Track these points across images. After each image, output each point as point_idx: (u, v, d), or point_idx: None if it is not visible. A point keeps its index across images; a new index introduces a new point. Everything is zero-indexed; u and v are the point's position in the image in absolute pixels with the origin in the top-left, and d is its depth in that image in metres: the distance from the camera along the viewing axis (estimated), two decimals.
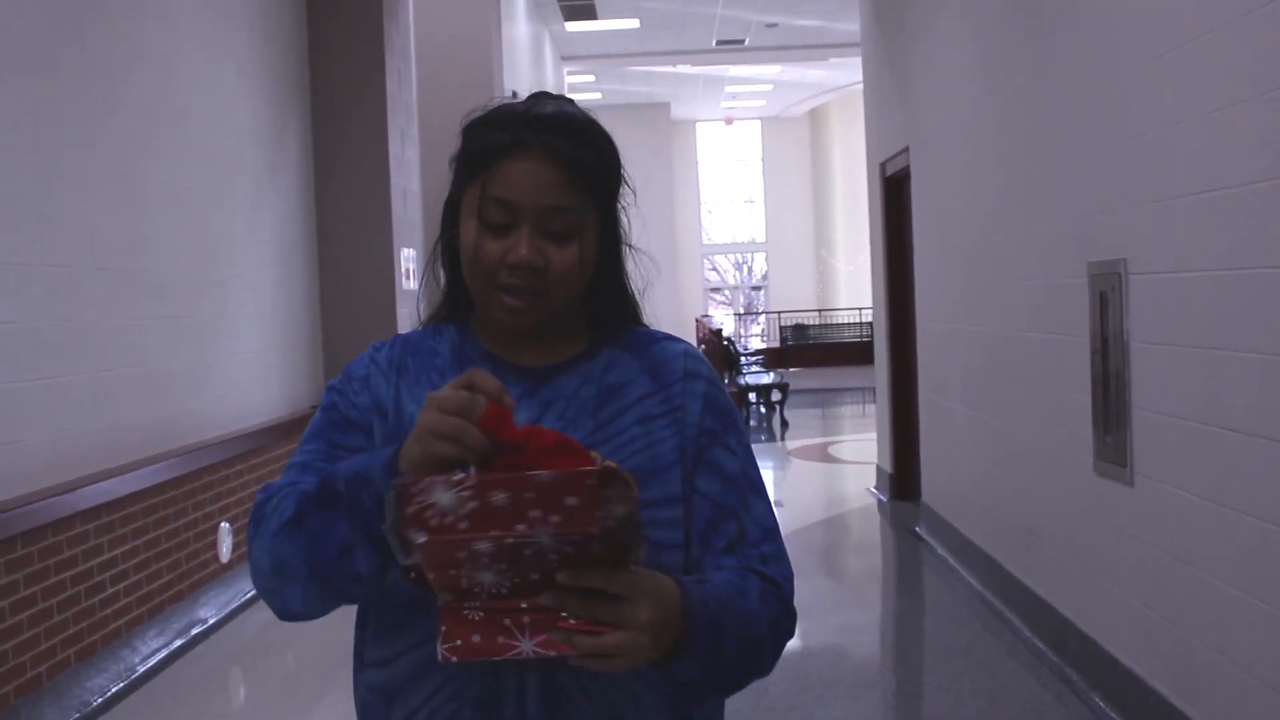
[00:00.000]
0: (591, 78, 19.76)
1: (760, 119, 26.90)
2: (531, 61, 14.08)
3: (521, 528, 1.07)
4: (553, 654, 1.12)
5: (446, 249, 1.41)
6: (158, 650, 4.93)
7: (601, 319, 1.43)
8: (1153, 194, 3.59)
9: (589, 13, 14.30)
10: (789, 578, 1.35)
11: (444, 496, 1.07)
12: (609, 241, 1.40)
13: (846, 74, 19.29)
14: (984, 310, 5.59)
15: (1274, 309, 2.92)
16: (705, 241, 27.41)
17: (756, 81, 22.09)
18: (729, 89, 22.70)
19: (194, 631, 5.28)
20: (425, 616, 1.25)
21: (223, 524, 5.64)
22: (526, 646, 1.12)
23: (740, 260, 28.79)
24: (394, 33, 7.91)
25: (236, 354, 6.12)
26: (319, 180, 7.50)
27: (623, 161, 1.42)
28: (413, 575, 1.14)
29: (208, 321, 5.78)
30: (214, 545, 5.56)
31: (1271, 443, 2.94)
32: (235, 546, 5.78)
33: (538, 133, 1.31)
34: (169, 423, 5.25)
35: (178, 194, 5.47)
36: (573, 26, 15.15)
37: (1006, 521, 5.35)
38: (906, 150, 7.17)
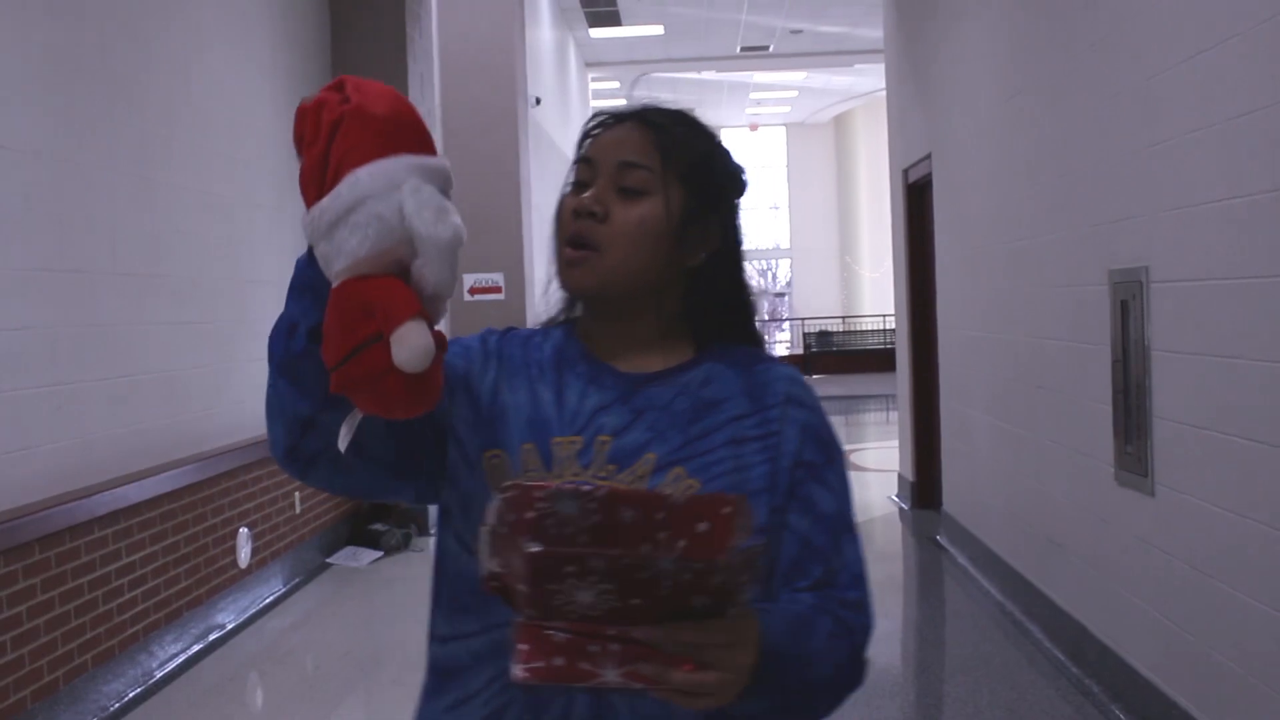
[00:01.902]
0: (616, 84, 19.77)
1: (785, 125, 26.85)
2: (555, 68, 14.09)
3: (646, 549, 1.01)
4: (638, 686, 1.05)
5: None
6: (175, 655, 4.95)
7: (709, 333, 1.38)
8: (1175, 201, 3.55)
9: (613, 19, 14.31)
10: (867, 628, 1.30)
11: (569, 506, 1.01)
12: (716, 250, 1.35)
13: (871, 80, 19.24)
14: (1005, 318, 5.55)
15: None
16: None
17: (781, 88, 22.06)
18: (754, 95, 22.68)
19: (212, 637, 5.29)
20: (487, 605, 1.22)
21: (242, 529, 5.66)
22: (611, 676, 1.06)
23: (765, 266, 28.75)
24: (417, 38, 7.93)
25: (257, 359, 6.13)
26: None
27: (742, 174, 1.39)
28: (494, 584, 1.07)
29: (228, 326, 5.80)
30: (233, 551, 5.57)
31: None
32: (254, 552, 5.80)
33: (636, 109, 1.36)
34: (188, 428, 5.27)
35: (199, 198, 5.49)
36: (597, 33, 15.16)
37: (1027, 531, 5.30)
38: (929, 157, 7.14)
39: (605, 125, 1.35)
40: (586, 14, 14.10)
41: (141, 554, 4.68)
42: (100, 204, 4.59)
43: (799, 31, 15.48)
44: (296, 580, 6.36)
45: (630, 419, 1.30)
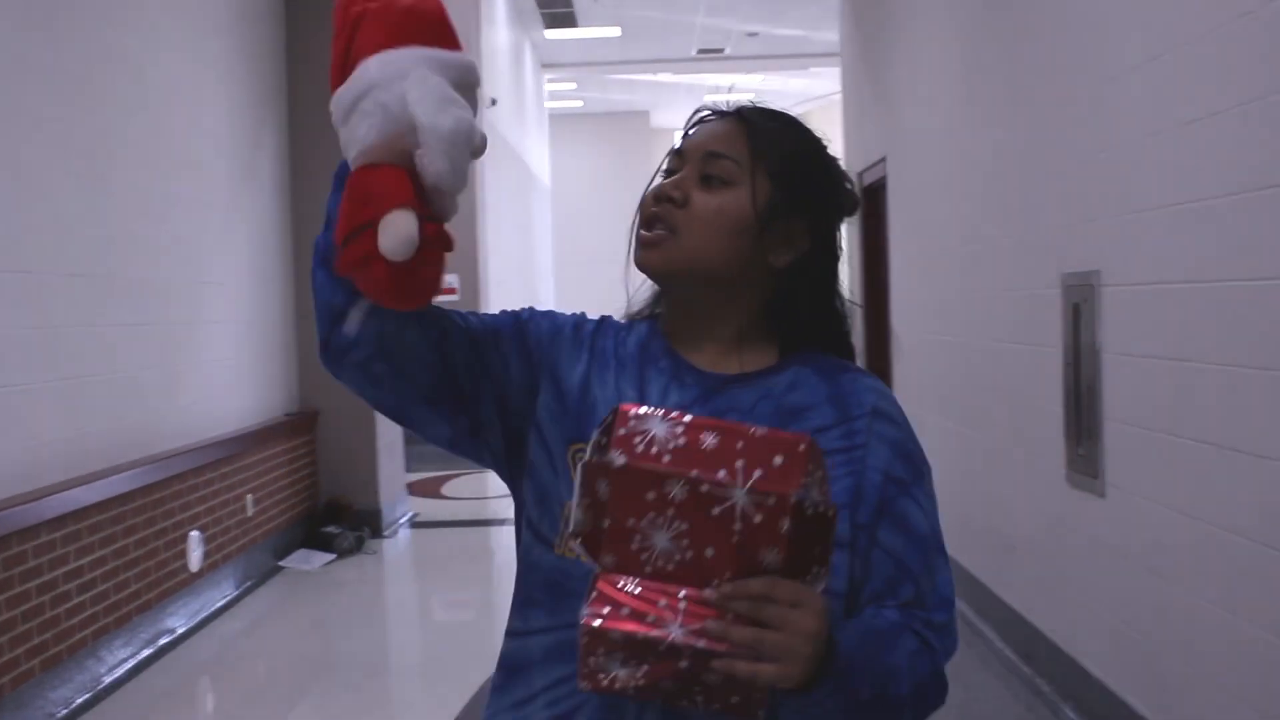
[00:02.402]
0: (572, 85, 19.74)
1: None
2: (512, 69, 14.05)
3: (722, 474, 1.05)
4: (701, 644, 1.05)
5: None
6: (124, 661, 4.88)
7: (795, 339, 1.35)
8: (1127, 205, 3.60)
9: (570, 20, 14.28)
10: (949, 651, 1.28)
11: (658, 426, 1.07)
12: (805, 254, 1.33)
13: (826, 84, 19.32)
14: (958, 320, 5.59)
15: (1244, 321, 2.92)
16: None
17: (737, 90, 22.11)
18: (709, 98, 22.66)
19: (162, 641, 5.22)
20: (558, 601, 1.25)
21: (193, 532, 5.59)
22: (676, 632, 1.05)
23: None
24: None
25: (209, 361, 6.07)
26: (295, 186, 7.46)
27: (845, 185, 1.37)
28: (582, 540, 1.09)
29: (180, 328, 5.73)
30: (184, 554, 5.50)
31: (1241, 455, 2.94)
32: (206, 555, 5.73)
33: (736, 106, 1.36)
34: (139, 430, 5.20)
35: (151, 199, 5.43)
36: (553, 34, 15.13)
37: (979, 532, 5.35)
38: (884, 160, 7.18)
39: (704, 121, 1.36)
40: (543, 15, 14.06)
41: (90, 558, 4.61)
42: (50, 204, 4.52)
43: (755, 34, 15.51)
44: (248, 584, 6.30)
45: None
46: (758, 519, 1.05)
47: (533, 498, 1.32)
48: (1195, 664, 3.23)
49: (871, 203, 7.85)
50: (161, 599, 5.26)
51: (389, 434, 7.85)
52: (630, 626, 1.06)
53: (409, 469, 8.64)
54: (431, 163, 1.14)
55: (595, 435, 1.10)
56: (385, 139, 1.14)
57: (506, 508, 9.28)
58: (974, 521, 5.43)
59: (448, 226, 1.21)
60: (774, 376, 1.31)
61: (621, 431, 1.08)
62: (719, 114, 1.36)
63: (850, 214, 1.40)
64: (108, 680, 4.70)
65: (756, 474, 1.05)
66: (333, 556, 6.95)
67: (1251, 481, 2.89)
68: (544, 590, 1.28)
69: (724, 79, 20.39)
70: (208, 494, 5.80)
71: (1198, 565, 3.21)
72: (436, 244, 1.16)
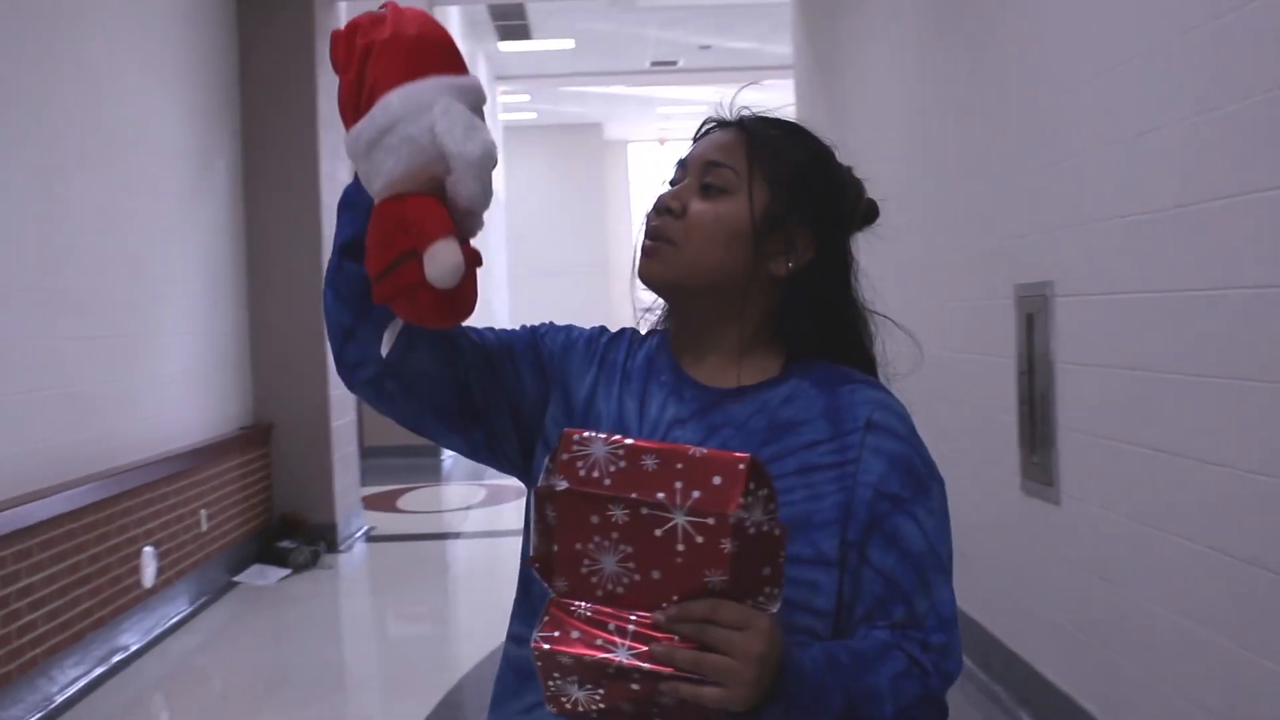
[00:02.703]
0: (526, 97, 19.74)
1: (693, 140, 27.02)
2: None
3: (661, 496, 1.05)
4: (646, 666, 1.06)
5: None
6: (77, 679, 4.81)
7: (801, 350, 1.33)
8: (1080, 217, 3.65)
9: (523, 33, 14.28)
10: (947, 674, 1.22)
11: (599, 449, 1.08)
12: (809, 262, 1.32)
13: (778, 96, 19.37)
14: (913, 329, 5.63)
15: (1195, 331, 2.97)
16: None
17: (690, 103, 22.19)
18: (661, 110, 22.77)
19: (115, 659, 5.16)
20: None
21: (147, 548, 5.53)
22: (623, 654, 1.06)
23: None
24: (326, 50, 7.83)
25: (163, 374, 6.01)
26: (248, 198, 7.41)
27: (853, 192, 1.37)
28: (536, 564, 1.12)
29: (133, 341, 5.67)
30: (138, 570, 5.44)
31: (1194, 462, 2.99)
32: (160, 571, 5.67)
33: (739, 116, 1.36)
34: (92, 445, 5.14)
35: (104, 211, 5.37)
36: (507, 46, 15.12)
37: None
38: None
39: (709, 131, 1.37)
40: (497, 27, 14.05)
41: (42, 575, 4.55)
42: (4, 219, 4.46)
43: (708, 47, 15.59)
44: (203, 599, 6.23)
45: (704, 436, 1.28)
46: (699, 540, 1.05)
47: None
48: (1149, 667, 3.28)
49: None
50: (115, 616, 5.19)
51: (345, 447, 7.80)
52: (578, 650, 1.07)
53: (364, 483, 8.59)
54: (466, 188, 1.17)
55: (546, 461, 1.11)
56: (414, 170, 1.16)
57: (462, 521, 9.27)
58: None
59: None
60: (772, 389, 1.30)
61: (565, 456, 1.09)
62: (722, 124, 1.36)
63: (866, 223, 1.40)
64: (59, 699, 4.63)
65: (695, 495, 1.05)
66: (288, 571, 6.89)
67: (1202, 488, 2.94)
68: (544, 602, 1.26)
69: (677, 91, 20.47)
70: (162, 509, 5.73)
71: (1150, 570, 3.26)
72: (473, 265, 1.19)
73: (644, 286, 1.34)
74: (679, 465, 1.06)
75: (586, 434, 1.10)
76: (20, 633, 4.38)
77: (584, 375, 1.35)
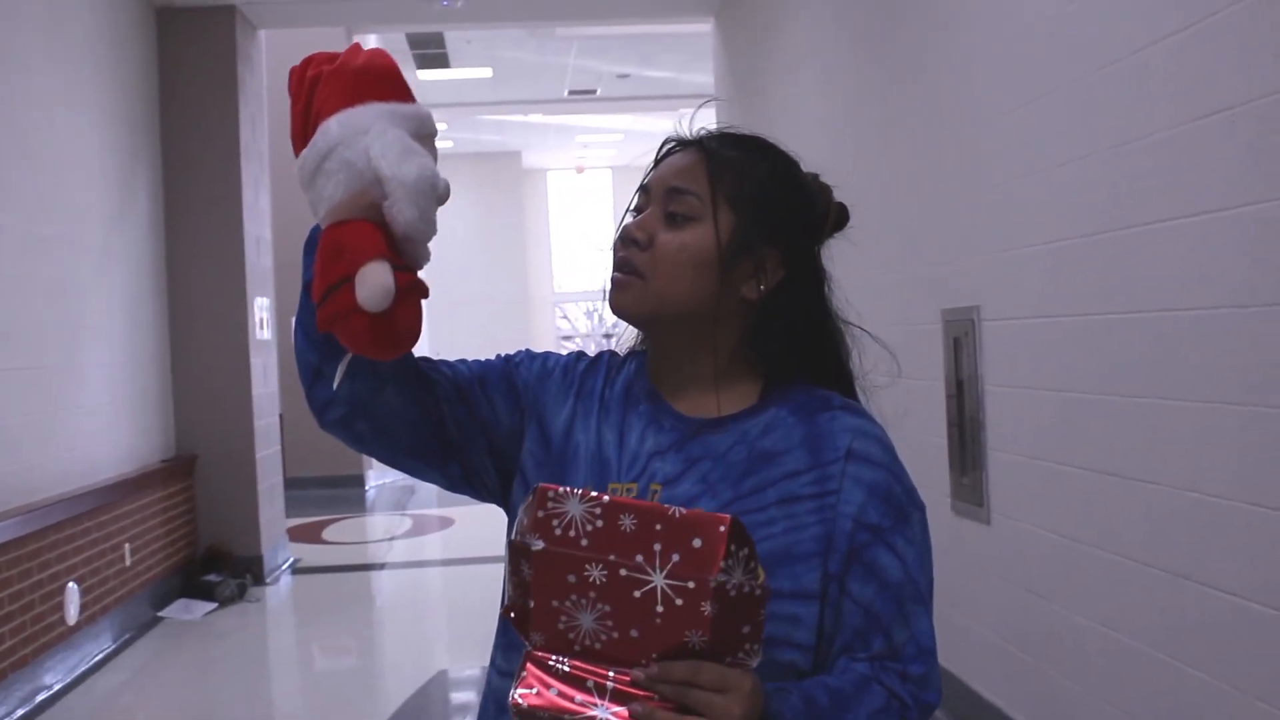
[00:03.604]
0: (443, 126, 19.69)
1: (611, 168, 27.16)
2: None
3: (639, 559, 1.04)
4: None
5: None
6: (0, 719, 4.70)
7: (780, 374, 1.30)
8: (1005, 243, 3.76)
9: (442, 61, 14.27)
10: (926, 705, 1.21)
11: (575, 508, 1.07)
12: (780, 283, 1.29)
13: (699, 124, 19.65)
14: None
15: (1118, 354, 3.08)
16: (556, 290, 27.49)
17: (608, 131, 22.32)
18: (580, 138, 22.87)
19: (39, 699, 5.03)
20: None
21: (70, 584, 5.41)
22: (603, 713, 1.05)
23: (591, 309, 28.92)
24: (248, 78, 7.78)
25: (84, 406, 5.90)
26: (170, 228, 7.31)
27: (818, 204, 1.34)
28: (512, 614, 1.10)
29: (54, 372, 5.57)
30: (60, 607, 5.32)
31: (1119, 479, 3.09)
32: (83, 608, 5.55)
33: (702, 136, 1.34)
34: (13, 478, 5.03)
35: (25, 240, 5.27)
36: (425, 75, 15.09)
37: None
38: None
39: (671, 152, 1.33)
40: (415, 56, 14.03)
41: None
42: None
43: (626, 76, 15.72)
44: (127, 636, 6.10)
45: (683, 468, 1.25)
46: (679, 602, 1.04)
47: None
48: (1081, 680, 3.37)
49: None
50: (37, 654, 5.07)
51: (269, 478, 7.70)
52: (558, 705, 1.07)
53: (289, 514, 8.48)
54: (400, 212, 1.16)
55: (519, 513, 1.10)
56: (352, 194, 1.16)
57: (387, 552, 9.15)
58: None
59: (423, 274, 1.24)
60: (751, 418, 1.27)
61: (540, 513, 1.07)
62: (682, 143, 1.34)
63: (836, 230, 1.37)
64: None
65: (674, 558, 1.04)
66: (214, 605, 6.78)
67: (1130, 505, 3.04)
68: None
69: (595, 120, 20.58)
70: (84, 544, 5.62)
71: (1080, 585, 3.35)
72: (412, 292, 1.18)
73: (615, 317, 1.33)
74: (658, 526, 1.05)
75: (561, 489, 1.08)
76: None
77: (561, 406, 1.33)
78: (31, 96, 5.45)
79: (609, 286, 1.30)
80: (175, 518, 6.98)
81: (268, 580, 7.42)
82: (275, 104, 8.71)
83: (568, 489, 1.08)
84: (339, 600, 7.46)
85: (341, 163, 1.17)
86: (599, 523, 1.06)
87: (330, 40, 10.06)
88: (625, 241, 1.29)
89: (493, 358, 1.39)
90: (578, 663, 1.08)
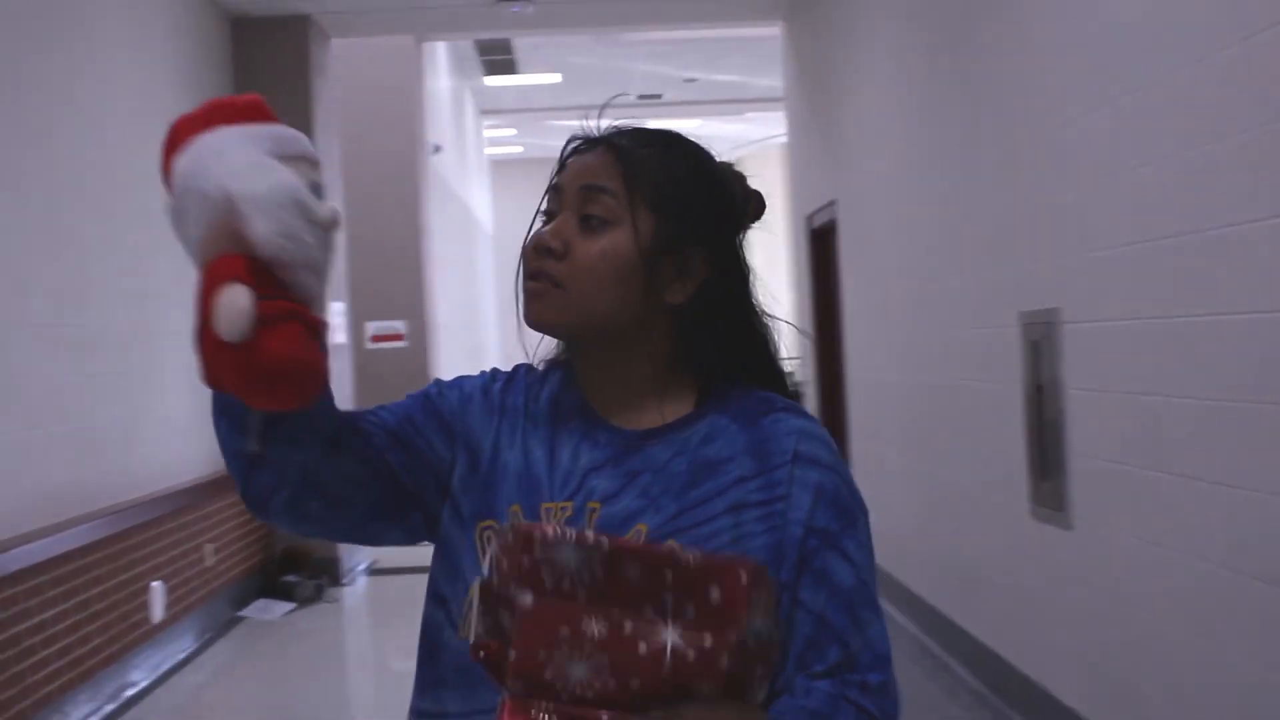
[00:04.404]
0: (512, 131, 19.84)
1: None
2: (453, 115, 14.13)
3: (649, 613, 0.94)
4: None
5: None
6: (89, 716, 4.80)
7: (714, 378, 1.24)
8: (1084, 245, 3.72)
9: (510, 67, 14.38)
10: (890, 713, 1.15)
11: (569, 555, 0.95)
12: (704, 283, 1.23)
13: (761, 128, 19.60)
14: (917, 359, 5.70)
15: (1203, 356, 3.03)
16: None
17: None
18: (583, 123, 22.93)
19: (126, 695, 5.15)
20: (472, 684, 1.15)
21: (154, 583, 5.52)
22: None
23: None
24: (322, 88, 7.91)
25: (166, 411, 6.02)
26: None
27: (735, 197, 1.27)
28: (483, 654, 0.98)
29: (139, 378, 5.69)
30: (146, 606, 5.44)
31: (1205, 484, 3.04)
32: (168, 606, 5.66)
33: (610, 133, 1.25)
34: (100, 481, 5.15)
35: (111, 250, 5.40)
36: (493, 81, 15.22)
37: (944, 568, 5.43)
38: (834, 203, 7.31)
39: (578, 150, 1.25)
40: (484, 62, 14.14)
41: (53, 611, 4.55)
42: (10, 257, 4.49)
43: (693, 80, 15.72)
44: (208, 635, 6.22)
45: (622, 484, 1.18)
46: (691, 655, 0.95)
47: (443, 573, 1.24)
48: (1165, 690, 3.32)
49: (821, 246, 7.99)
50: (124, 652, 5.19)
51: None
52: None
53: None
54: (255, 229, 1.02)
55: (492, 551, 0.99)
56: (211, 226, 1.04)
57: None
58: (939, 558, 5.52)
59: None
60: (689, 427, 1.21)
61: (526, 561, 0.95)
62: (591, 142, 1.25)
63: (755, 219, 1.30)
64: None
65: (688, 611, 0.95)
66: (293, 606, 6.89)
67: (1219, 510, 3.00)
68: (456, 673, 1.20)
69: (662, 124, 20.64)
70: (168, 544, 5.73)
71: (1166, 593, 3.30)
72: (288, 321, 1.03)
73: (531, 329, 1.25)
74: (668, 574, 0.95)
75: (550, 532, 0.96)
76: (34, 669, 4.37)
77: (488, 428, 1.26)
78: (116, 110, 5.58)
79: (522, 297, 1.22)
80: (253, 519, 7.09)
81: (344, 581, 7.52)
82: (347, 113, 8.82)
83: (559, 531, 0.97)
84: (415, 601, 7.47)
85: (195, 196, 1.04)
86: (599, 571, 0.95)
87: (400, 47, 10.19)
88: (539, 251, 1.20)
89: (407, 398, 1.30)
90: (565, 707, 0.97)
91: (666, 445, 1.20)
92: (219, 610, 6.46)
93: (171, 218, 1.07)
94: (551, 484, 1.20)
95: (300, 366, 1.04)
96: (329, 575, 7.34)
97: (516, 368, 1.33)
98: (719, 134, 22.34)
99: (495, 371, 1.33)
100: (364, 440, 1.20)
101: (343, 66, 8.93)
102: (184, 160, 1.06)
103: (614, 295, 1.18)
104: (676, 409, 1.22)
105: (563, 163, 1.25)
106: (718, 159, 1.29)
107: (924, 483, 5.67)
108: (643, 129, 1.27)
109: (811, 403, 8.37)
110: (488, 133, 18.86)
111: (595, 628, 0.95)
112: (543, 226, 1.23)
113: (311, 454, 1.14)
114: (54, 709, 4.53)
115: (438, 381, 1.31)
